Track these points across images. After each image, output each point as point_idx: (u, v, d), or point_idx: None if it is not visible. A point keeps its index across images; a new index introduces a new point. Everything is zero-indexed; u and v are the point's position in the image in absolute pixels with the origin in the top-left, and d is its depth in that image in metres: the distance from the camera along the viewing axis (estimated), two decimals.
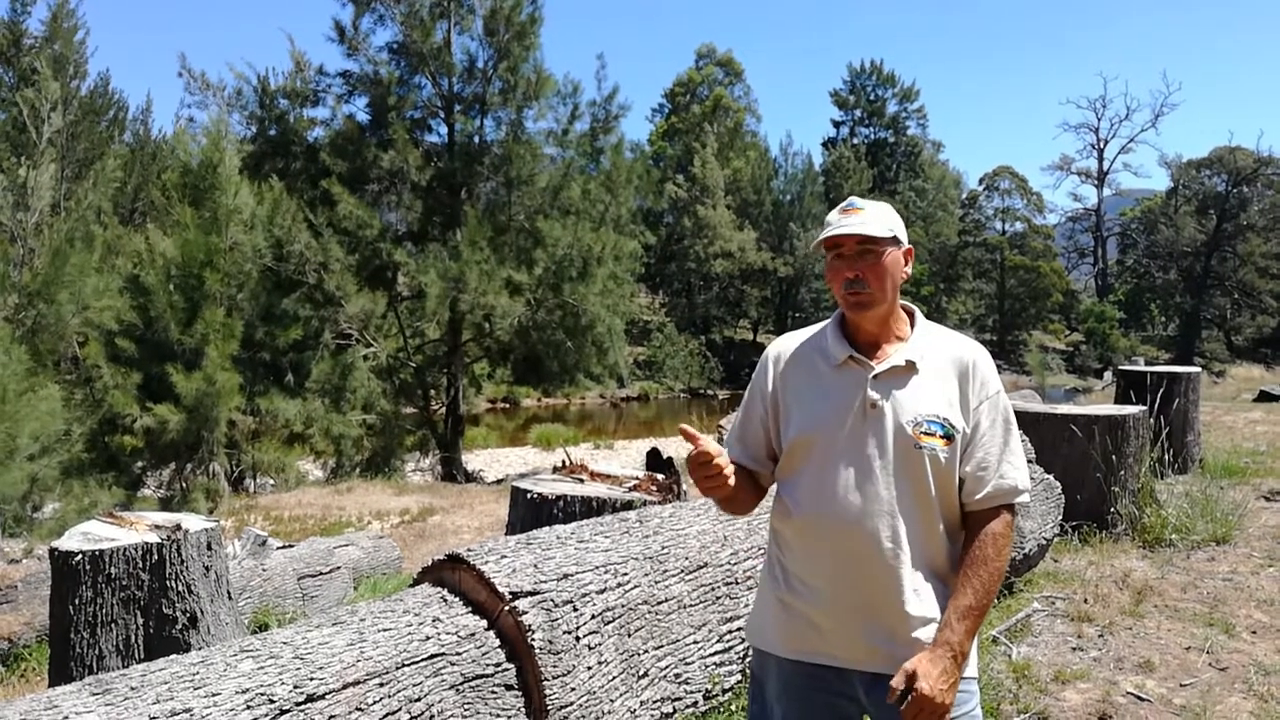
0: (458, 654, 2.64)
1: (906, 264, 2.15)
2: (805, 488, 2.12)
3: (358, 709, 2.36)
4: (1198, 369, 9.05)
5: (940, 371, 2.09)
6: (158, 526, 4.72)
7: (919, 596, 2.03)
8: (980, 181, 62.73)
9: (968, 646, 1.99)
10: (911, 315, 2.20)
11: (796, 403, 2.16)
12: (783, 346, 2.25)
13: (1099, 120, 62.99)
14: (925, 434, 2.03)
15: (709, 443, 2.02)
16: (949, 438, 2.04)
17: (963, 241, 59.77)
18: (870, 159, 58.77)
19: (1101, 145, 63.55)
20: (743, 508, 2.25)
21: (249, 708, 2.22)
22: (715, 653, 3.32)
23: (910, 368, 2.08)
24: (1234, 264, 55.52)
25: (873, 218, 2.09)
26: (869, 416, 2.06)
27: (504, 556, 2.98)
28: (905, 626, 2.02)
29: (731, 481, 2.05)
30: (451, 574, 2.96)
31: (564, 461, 5.32)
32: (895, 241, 2.11)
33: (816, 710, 2.13)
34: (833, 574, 2.08)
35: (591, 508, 4.32)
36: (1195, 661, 4.27)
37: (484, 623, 2.79)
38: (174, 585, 4.52)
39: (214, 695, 2.22)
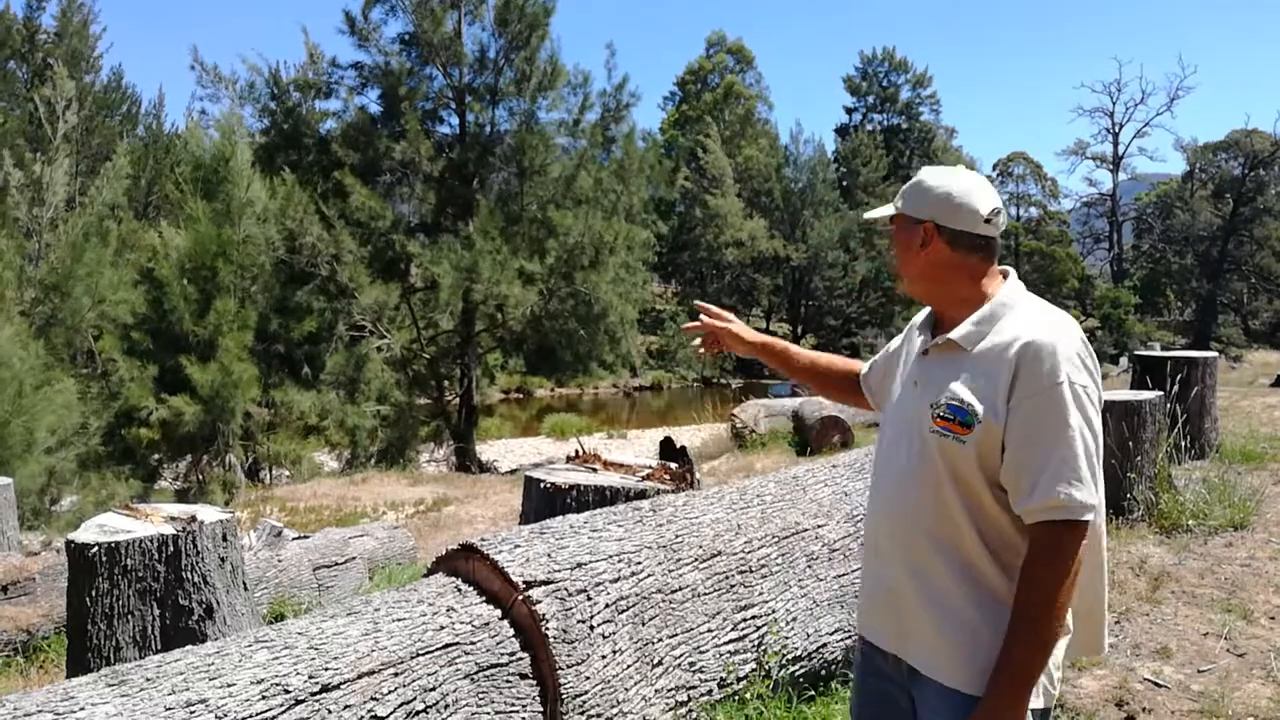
0: (472, 643, 2.65)
1: (927, 242, 1.97)
2: (874, 459, 2.14)
3: (373, 699, 2.37)
4: (1214, 354, 8.98)
5: (988, 355, 1.88)
6: (173, 518, 4.74)
7: (930, 593, 1.91)
8: (994, 167, 62.44)
9: (1024, 707, 1.78)
10: (996, 286, 1.98)
11: (893, 371, 2.18)
12: (918, 316, 2.19)
13: (1114, 104, 62.45)
14: (941, 418, 1.88)
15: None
16: (967, 425, 1.84)
17: None
18: (884, 146, 58.55)
19: (1116, 129, 63.08)
20: (833, 393, 2.53)
21: (264, 698, 2.23)
22: (729, 641, 3.32)
23: (952, 347, 1.93)
24: (1251, 248, 55.15)
25: (902, 193, 2.04)
26: (913, 395, 1.99)
27: (518, 546, 2.98)
28: (914, 622, 1.94)
29: (711, 347, 2.50)
30: (465, 564, 2.96)
31: (577, 451, 5.32)
32: (905, 219, 2.00)
33: (867, 688, 2.13)
34: (870, 551, 2.08)
35: (605, 497, 4.31)
36: (1213, 647, 4.25)
37: (498, 612, 2.79)
38: (190, 577, 4.54)
39: (229, 686, 2.23)
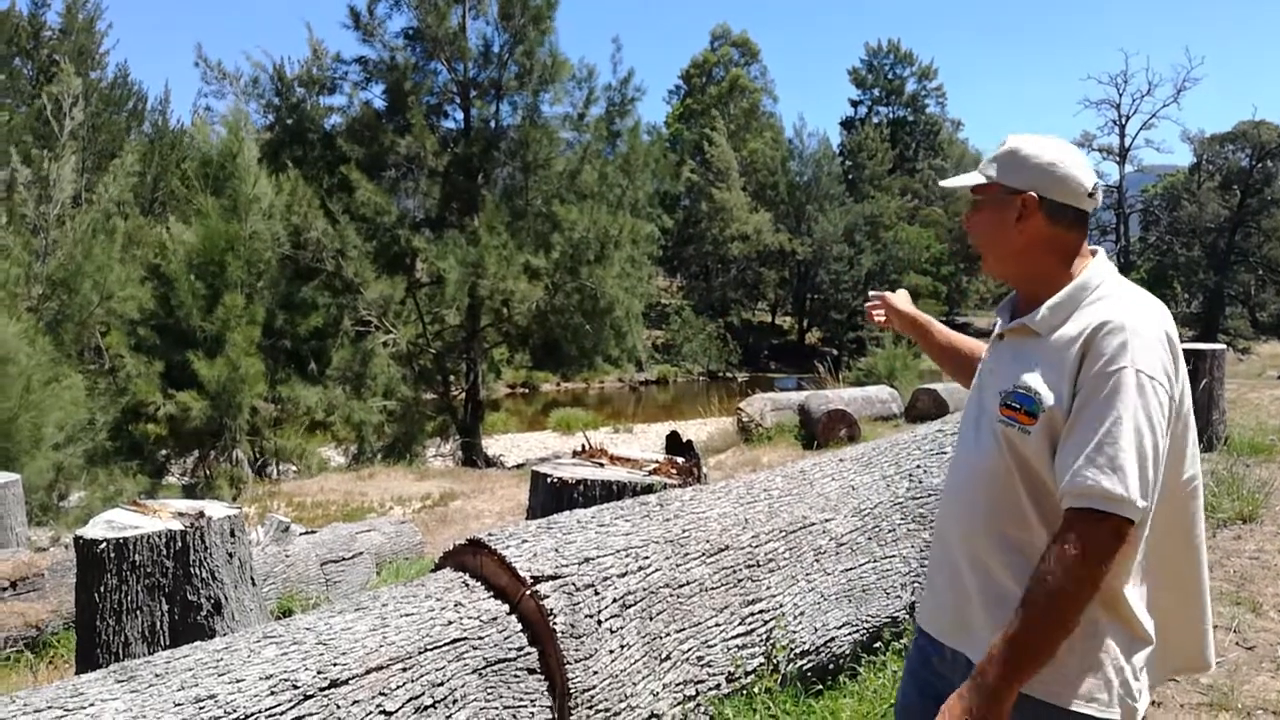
0: (480, 638, 2.65)
1: (1025, 217, 1.83)
2: None
3: (381, 694, 2.37)
4: (1222, 346, 8.95)
5: (1063, 341, 1.76)
6: (181, 514, 4.75)
7: (993, 588, 1.82)
8: None
9: (1006, 693, 1.64)
10: (1084, 267, 1.86)
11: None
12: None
13: (1120, 96, 62.34)
14: (1008, 407, 1.78)
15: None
16: (1032, 415, 1.74)
17: None
18: (889, 138, 58.47)
19: (1123, 121, 62.79)
20: (961, 378, 2.46)
21: (273, 693, 2.23)
22: (737, 635, 3.31)
23: (1027, 331, 1.83)
24: (1258, 239, 54.94)
25: (992, 160, 1.87)
26: (986, 381, 1.91)
27: (525, 541, 2.98)
28: (976, 617, 1.85)
29: (882, 317, 2.58)
30: (473, 558, 2.96)
31: (583, 445, 5.31)
32: (1000, 190, 1.85)
33: (919, 681, 2.05)
34: (938, 541, 2.01)
35: (612, 491, 4.31)
36: (1222, 640, 4.24)
37: (506, 607, 2.79)
38: (198, 572, 4.55)
39: (238, 681, 2.23)
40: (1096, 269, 1.84)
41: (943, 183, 1.93)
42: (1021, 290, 1.91)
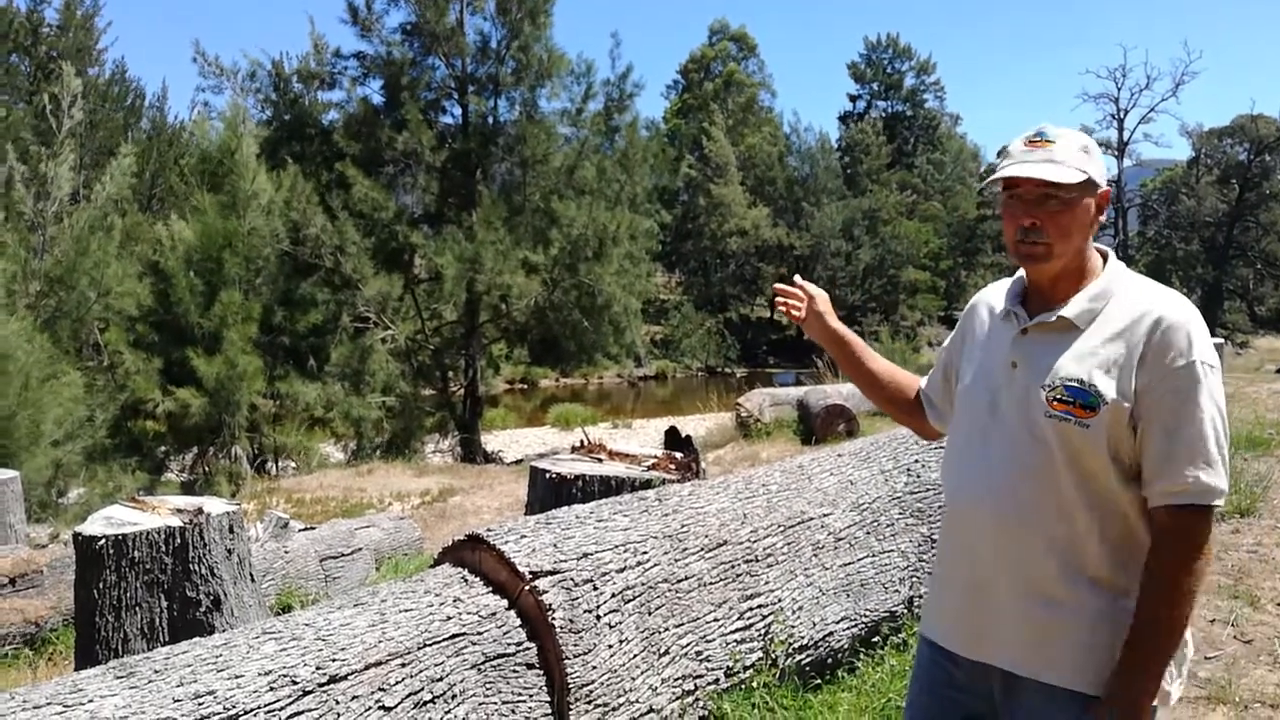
0: (479, 634, 2.65)
1: (1100, 211, 1.82)
2: (950, 449, 2.00)
3: (380, 689, 2.37)
4: (1220, 340, 8.94)
5: (1109, 333, 1.75)
6: (180, 510, 4.75)
7: (1037, 590, 1.78)
8: (998, 154, 62.01)
9: (1146, 701, 1.70)
10: (1105, 258, 1.87)
11: (965, 357, 2.02)
12: (983, 293, 2.06)
13: (1119, 90, 62.03)
14: (1059, 401, 1.73)
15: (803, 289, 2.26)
16: (1090, 408, 1.71)
17: (981, 215, 59.42)
18: (888, 133, 58.38)
19: (1121, 115, 62.69)
20: (890, 408, 2.30)
21: (272, 689, 2.23)
22: (736, 630, 3.32)
23: (1064, 325, 1.79)
24: (1256, 234, 54.93)
25: (1064, 154, 1.77)
26: (1009, 378, 1.83)
27: (524, 536, 2.98)
28: (1012, 622, 1.81)
29: (799, 312, 2.25)
30: (472, 554, 2.97)
31: (582, 441, 5.32)
32: (1088, 186, 1.78)
33: (934, 695, 1.99)
34: (954, 549, 1.94)
35: (610, 487, 4.32)
36: (1220, 634, 4.24)
37: (505, 602, 2.79)
38: (197, 568, 4.55)
39: (237, 677, 2.24)
40: (1118, 264, 1.85)
41: (1053, 177, 1.76)
42: (1047, 285, 1.87)
